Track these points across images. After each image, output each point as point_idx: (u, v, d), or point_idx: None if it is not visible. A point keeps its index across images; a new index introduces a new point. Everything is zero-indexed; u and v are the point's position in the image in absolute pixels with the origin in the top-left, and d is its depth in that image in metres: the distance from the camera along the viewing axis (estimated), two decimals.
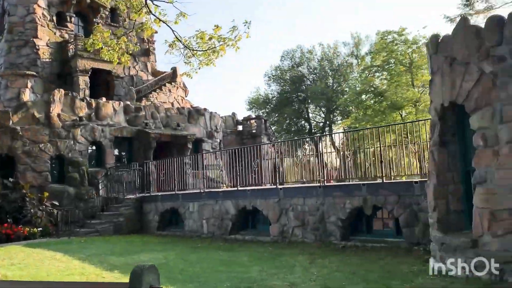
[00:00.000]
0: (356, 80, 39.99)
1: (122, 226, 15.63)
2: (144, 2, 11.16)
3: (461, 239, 6.22)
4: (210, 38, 11.58)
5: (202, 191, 14.06)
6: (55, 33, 24.55)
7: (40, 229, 15.11)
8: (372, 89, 32.19)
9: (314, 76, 47.97)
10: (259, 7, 76.68)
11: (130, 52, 13.29)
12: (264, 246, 10.90)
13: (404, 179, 10.13)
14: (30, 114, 17.26)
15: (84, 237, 14.57)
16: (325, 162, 12.51)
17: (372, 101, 32.50)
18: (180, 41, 12.04)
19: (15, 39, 23.18)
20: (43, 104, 17.63)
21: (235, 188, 13.23)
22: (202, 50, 11.96)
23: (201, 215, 13.83)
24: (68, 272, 8.20)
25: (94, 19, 26.18)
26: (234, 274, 7.36)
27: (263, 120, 27.52)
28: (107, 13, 26.66)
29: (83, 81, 23.49)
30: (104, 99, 20.12)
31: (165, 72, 28.37)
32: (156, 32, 14.62)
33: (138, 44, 25.04)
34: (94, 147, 19.06)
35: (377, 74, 33.85)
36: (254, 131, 27.60)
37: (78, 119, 18.21)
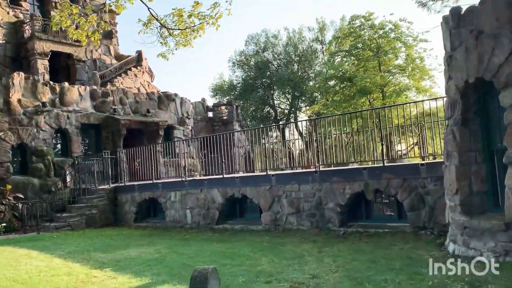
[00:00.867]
0: (324, 65, 39.83)
1: (95, 218, 14.61)
2: None
3: (492, 222, 5.92)
4: (190, 16, 10.75)
5: (184, 179, 13.27)
6: (8, 13, 22.60)
7: (4, 224, 13.87)
8: (341, 74, 32.07)
9: (279, 61, 47.52)
10: None
11: (101, 30, 12.26)
12: (258, 235, 10.35)
13: (407, 162, 9.84)
14: None
15: (55, 232, 13.46)
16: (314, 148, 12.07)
17: (341, 86, 32.42)
18: (157, 20, 11.12)
19: None
20: (1, 89, 16.08)
21: (221, 176, 12.55)
22: (181, 29, 11.12)
23: (184, 204, 13.07)
24: (53, 272, 7.30)
25: None
26: (244, 267, 6.77)
27: (235, 106, 26.80)
28: None
29: (42, 65, 21.83)
30: (67, 83, 18.68)
31: (129, 55, 26.97)
32: (126, 8, 13.57)
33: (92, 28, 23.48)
34: (59, 135, 17.69)
35: (344, 59, 33.77)
36: (225, 117, 26.85)
37: (41, 105, 16.77)
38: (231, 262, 7.26)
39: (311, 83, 45.60)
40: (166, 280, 6.26)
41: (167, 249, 9.04)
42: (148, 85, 26.36)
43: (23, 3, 23.18)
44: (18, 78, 16.45)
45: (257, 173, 13.00)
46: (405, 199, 8.83)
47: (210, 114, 27.43)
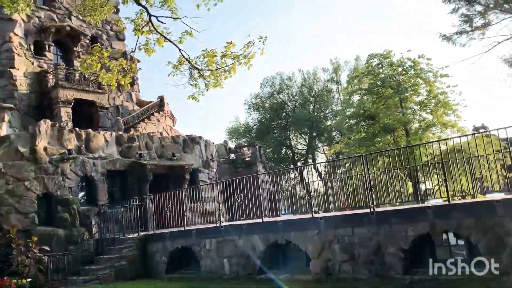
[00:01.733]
0: (343, 104, 39.49)
1: (124, 270, 13.73)
2: (148, 19, 9.96)
3: None
4: (223, 56, 10.38)
5: (221, 225, 12.46)
6: (32, 63, 22.77)
7: (30, 279, 13.02)
8: (362, 111, 31.60)
9: (294, 102, 47.48)
10: (237, 32, 76.79)
11: (131, 74, 11.95)
12: (308, 286, 9.42)
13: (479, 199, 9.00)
14: (13, 149, 15.32)
15: (82, 286, 12.62)
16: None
17: (362, 124, 31.86)
18: (188, 61, 10.77)
19: None
20: (27, 137, 15.73)
21: (260, 220, 11.73)
22: (212, 70, 10.73)
23: (220, 253, 12.20)
24: None
25: (74, 48, 24.62)
26: None
27: (257, 147, 26.24)
28: (87, 41, 25.14)
29: (66, 112, 21.67)
30: (90, 130, 18.34)
31: (150, 101, 26.88)
32: (155, 51, 13.33)
33: (121, 72, 23.48)
34: (84, 183, 17.13)
35: (364, 97, 33.41)
36: (248, 159, 26.25)
37: (67, 152, 16.33)
38: None
39: (328, 123, 45.24)
40: None
41: None
42: (171, 129, 26.06)
43: (47, 53, 23.38)
44: (45, 126, 16.13)
45: (302, 215, 12.15)
46: (480, 240, 7.92)
47: (232, 156, 26.88)
